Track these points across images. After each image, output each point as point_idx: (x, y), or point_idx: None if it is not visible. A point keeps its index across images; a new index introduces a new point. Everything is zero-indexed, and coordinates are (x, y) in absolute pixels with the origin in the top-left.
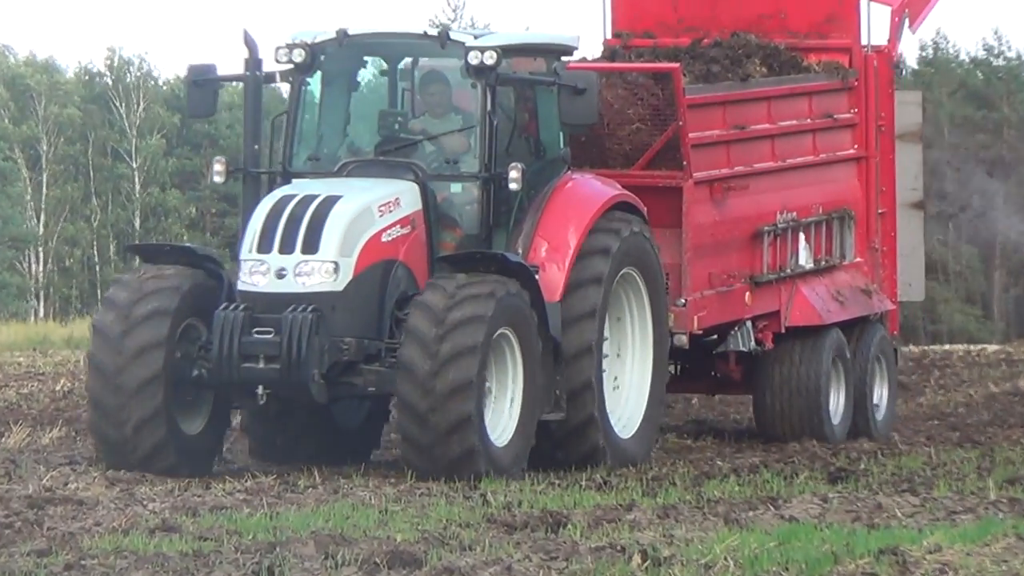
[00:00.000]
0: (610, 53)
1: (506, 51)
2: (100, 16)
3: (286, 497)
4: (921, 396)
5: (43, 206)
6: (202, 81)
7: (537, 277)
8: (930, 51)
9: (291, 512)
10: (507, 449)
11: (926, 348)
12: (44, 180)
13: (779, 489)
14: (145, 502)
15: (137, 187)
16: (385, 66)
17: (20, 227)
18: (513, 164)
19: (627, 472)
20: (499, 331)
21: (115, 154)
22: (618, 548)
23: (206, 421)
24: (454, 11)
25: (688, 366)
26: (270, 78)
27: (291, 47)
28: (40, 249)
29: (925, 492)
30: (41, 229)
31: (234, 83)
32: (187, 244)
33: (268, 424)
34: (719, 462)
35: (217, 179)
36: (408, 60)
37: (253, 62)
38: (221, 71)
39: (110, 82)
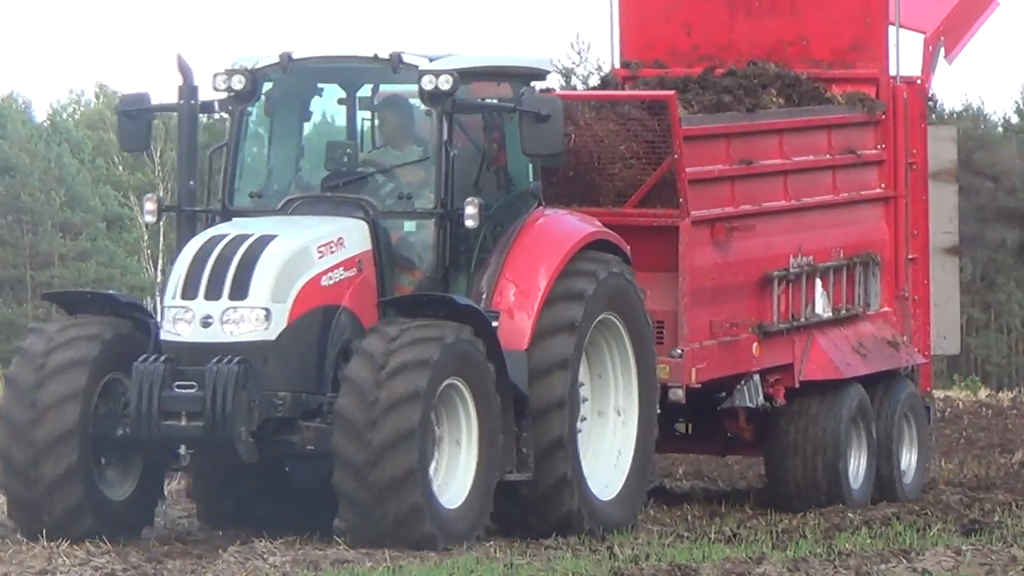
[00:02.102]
0: (604, 83)
1: (465, 75)
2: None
3: (407, 551)
4: None
5: (160, 253)
6: (133, 112)
7: (496, 323)
8: None
9: (414, 565)
10: (460, 511)
11: None
12: (161, 227)
13: (912, 541)
14: (265, 555)
15: None
16: (344, 94)
17: (138, 276)
18: (469, 199)
19: (757, 524)
20: (448, 380)
21: None
22: None
23: (134, 485)
24: (579, 54)
25: (697, 425)
26: (207, 107)
27: (230, 73)
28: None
29: None
30: (159, 276)
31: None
32: (110, 292)
33: (216, 487)
34: (850, 514)
35: (149, 219)
36: (369, 87)
37: (188, 90)
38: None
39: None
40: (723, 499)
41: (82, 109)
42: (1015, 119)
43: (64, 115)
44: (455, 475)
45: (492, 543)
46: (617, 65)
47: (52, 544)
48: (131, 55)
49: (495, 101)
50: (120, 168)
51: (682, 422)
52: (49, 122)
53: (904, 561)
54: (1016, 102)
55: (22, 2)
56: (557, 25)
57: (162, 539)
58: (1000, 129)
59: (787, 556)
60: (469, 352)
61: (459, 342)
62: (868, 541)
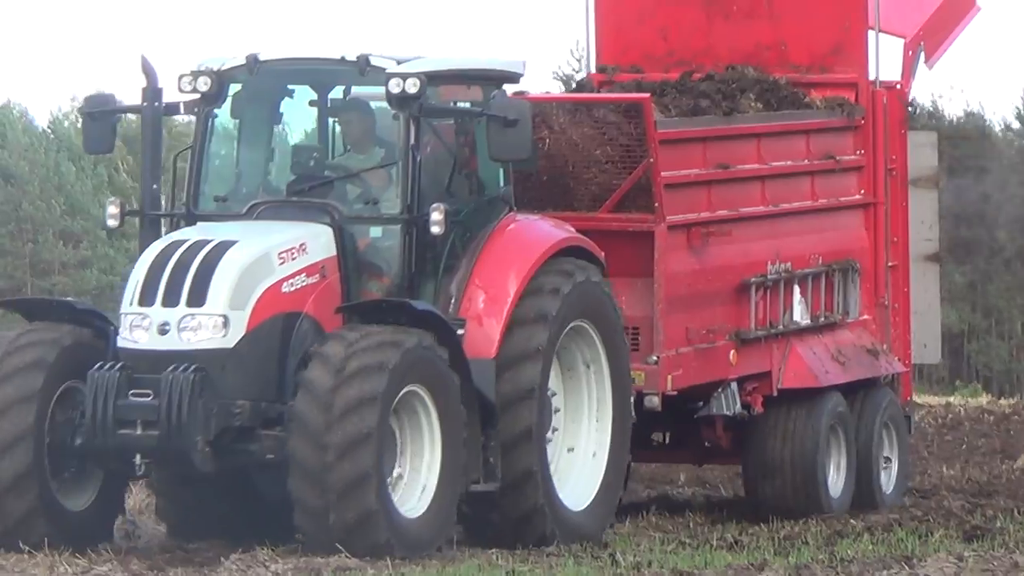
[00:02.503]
0: (578, 88)
1: (433, 78)
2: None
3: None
4: None
5: None
6: (98, 113)
7: (462, 331)
8: None
9: (416, 572)
10: (420, 522)
11: None
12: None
13: (914, 548)
14: (267, 563)
15: None
16: (315, 96)
17: None
18: (435, 205)
19: (759, 530)
20: (408, 387)
21: None
22: None
23: (94, 497)
24: (579, 60)
25: (674, 434)
26: (172, 109)
27: (196, 75)
28: None
29: None
30: None
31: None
32: (69, 299)
33: (183, 501)
34: (852, 520)
35: (111, 223)
36: (341, 90)
37: (152, 91)
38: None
39: None
40: (725, 506)
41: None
42: (1016, 124)
43: (65, 123)
44: (417, 484)
45: (494, 551)
46: (593, 70)
47: (54, 553)
48: (130, 59)
49: (468, 105)
50: (124, 175)
51: (659, 432)
52: (50, 130)
53: (906, 567)
54: (1017, 107)
55: (22, 9)
56: (555, 31)
57: (131, 551)
58: (1000, 134)
59: (789, 563)
60: (430, 359)
61: (420, 348)
62: (870, 547)
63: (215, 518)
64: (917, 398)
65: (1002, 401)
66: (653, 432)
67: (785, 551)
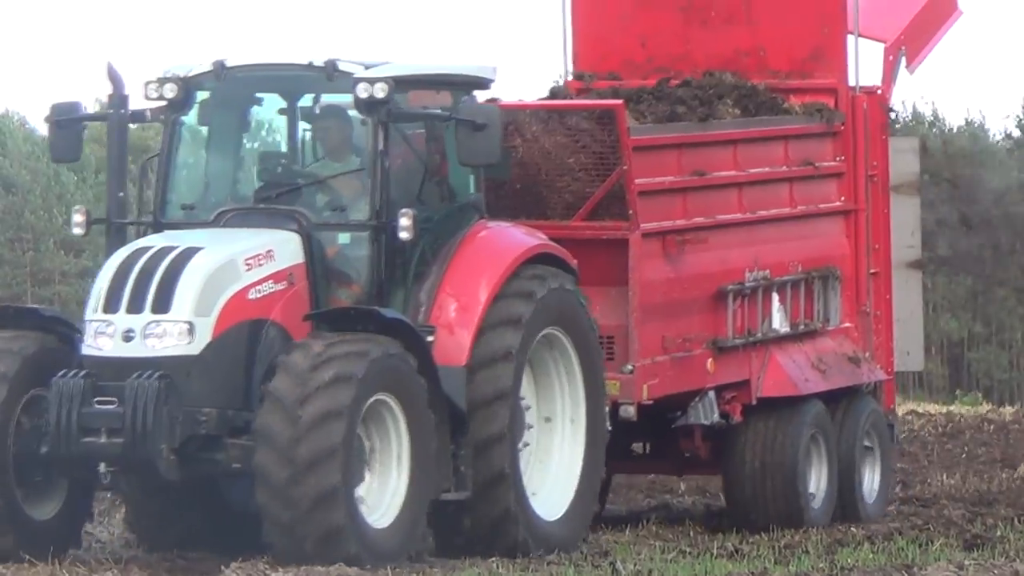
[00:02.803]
0: (551, 95)
1: (401, 83)
2: None
3: (412, 566)
4: None
5: None
6: (65, 121)
7: (432, 338)
8: None
9: None
10: (389, 532)
11: None
12: None
13: (914, 557)
14: (268, 572)
15: None
16: (285, 104)
17: None
18: (403, 211)
19: (759, 539)
20: (375, 396)
21: None
22: None
23: (60, 506)
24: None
25: (654, 444)
26: (138, 116)
27: (162, 81)
28: None
29: None
30: None
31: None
32: (33, 306)
33: (153, 512)
34: (853, 529)
35: (77, 231)
36: (311, 97)
37: (118, 98)
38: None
39: None
40: (725, 515)
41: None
42: (1016, 132)
43: None
44: (385, 493)
45: (495, 560)
46: (571, 77)
47: (56, 561)
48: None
49: (439, 111)
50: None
51: (640, 442)
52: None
53: None
54: (1018, 116)
55: (22, 15)
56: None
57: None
58: (1000, 144)
59: (789, 571)
60: (398, 367)
61: (387, 357)
62: (870, 556)
63: (184, 527)
64: (917, 407)
65: (1003, 410)
66: (633, 443)
67: (785, 560)
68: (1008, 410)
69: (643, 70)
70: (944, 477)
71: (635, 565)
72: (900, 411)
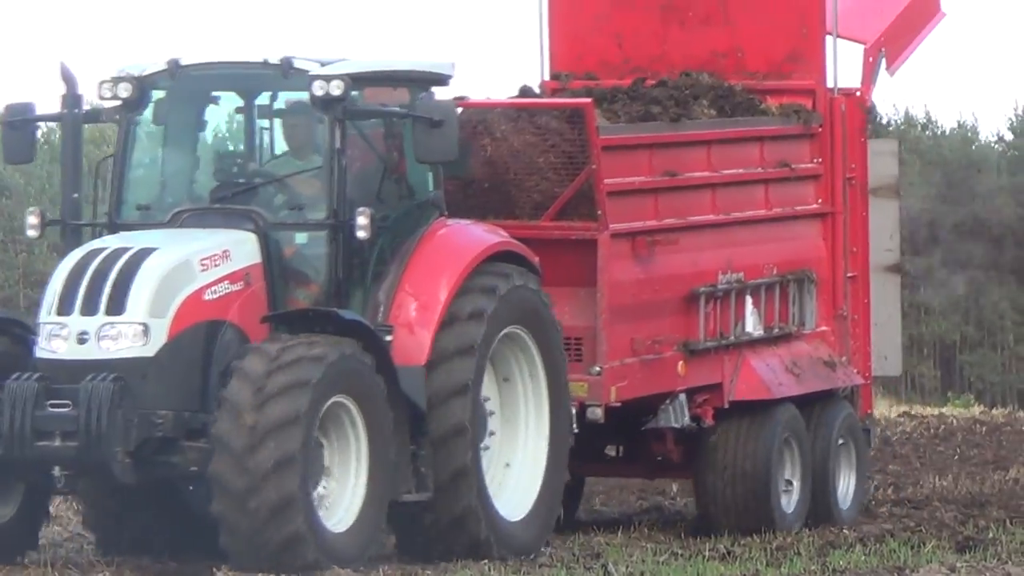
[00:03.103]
0: (521, 94)
1: (358, 80)
2: None
3: (405, 569)
4: None
5: None
6: (18, 122)
7: (389, 338)
8: None
9: None
10: (348, 535)
11: None
12: None
13: (906, 558)
14: None
15: None
16: (241, 102)
17: None
18: (361, 209)
19: (751, 541)
20: (332, 399)
21: None
22: None
23: (16, 509)
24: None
25: (627, 448)
26: (93, 116)
27: (116, 80)
28: None
29: None
30: None
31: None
32: None
33: (113, 516)
34: (845, 531)
35: (31, 233)
36: (268, 95)
37: (71, 98)
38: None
39: None
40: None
41: None
42: (1008, 136)
43: (55, 134)
44: (344, 495)
45: (487, 563)
46: (547, 77)
47: (48, 563)
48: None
49: (396, 108)
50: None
51: (613, 445)
52: (42, 140)
53: None
54: (1010, 119)
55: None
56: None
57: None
58: (994, 146)
59: (781, 573)
60: (355, 369)
61: (343, 359)
62: (862, 558)
63: (141, 528)
64: (909, 409)
65: (995, 412)
66: (606, 445)
67: (777, 562)
68: (1000, 412)
69: (620, 70)
70: (936, 479)
71: (627, 567)
72: (893, 413)
